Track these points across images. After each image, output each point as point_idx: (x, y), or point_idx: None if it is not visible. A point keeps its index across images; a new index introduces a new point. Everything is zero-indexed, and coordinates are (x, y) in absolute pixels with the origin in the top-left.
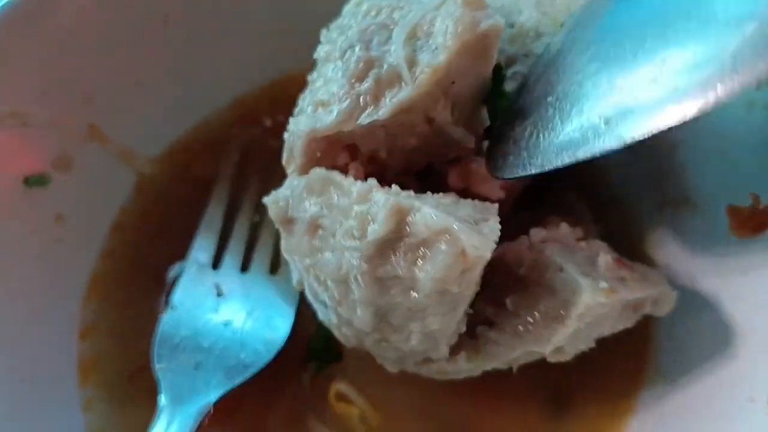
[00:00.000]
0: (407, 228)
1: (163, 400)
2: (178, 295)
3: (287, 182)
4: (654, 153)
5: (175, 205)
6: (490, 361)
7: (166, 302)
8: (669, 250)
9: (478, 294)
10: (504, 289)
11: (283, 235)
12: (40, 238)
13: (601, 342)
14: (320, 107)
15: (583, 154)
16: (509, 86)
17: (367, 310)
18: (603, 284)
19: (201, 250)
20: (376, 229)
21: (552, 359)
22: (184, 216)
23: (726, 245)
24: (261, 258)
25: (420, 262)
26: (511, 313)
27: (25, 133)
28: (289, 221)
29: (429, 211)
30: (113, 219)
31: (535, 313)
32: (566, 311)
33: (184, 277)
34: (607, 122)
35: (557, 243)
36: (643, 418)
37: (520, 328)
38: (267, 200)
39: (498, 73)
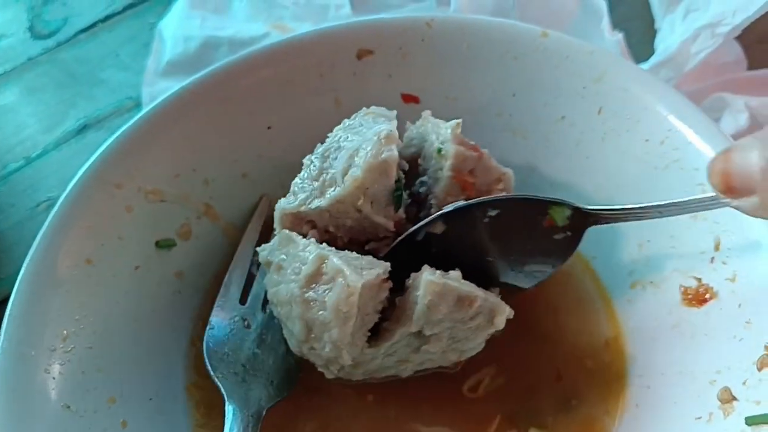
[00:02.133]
0: (323, 268)
1: (229, 405)
2: (215, 319)
3: (273, 239)
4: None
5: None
6: (381, 345)
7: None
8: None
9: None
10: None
11: (266, 273)
12: (165, 289)
13: None
14: (292, 195)
15: None
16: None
17: (300, 323)
18: (437, 273)
19: (231, 284)
20: (306, 268)
21: (428, 353)
22: None
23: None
24: None
25: (328, 291)
26: (397, 312)
27: (161, 206)
28: (268, 263)
29: (335, 260)
30: (213, 276)
31: (406, 302)
32: (418, 294)
33: (218, 304)
34: None
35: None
36: None
37: (399, 316)
38: (258, 249)
39: (398, 182)
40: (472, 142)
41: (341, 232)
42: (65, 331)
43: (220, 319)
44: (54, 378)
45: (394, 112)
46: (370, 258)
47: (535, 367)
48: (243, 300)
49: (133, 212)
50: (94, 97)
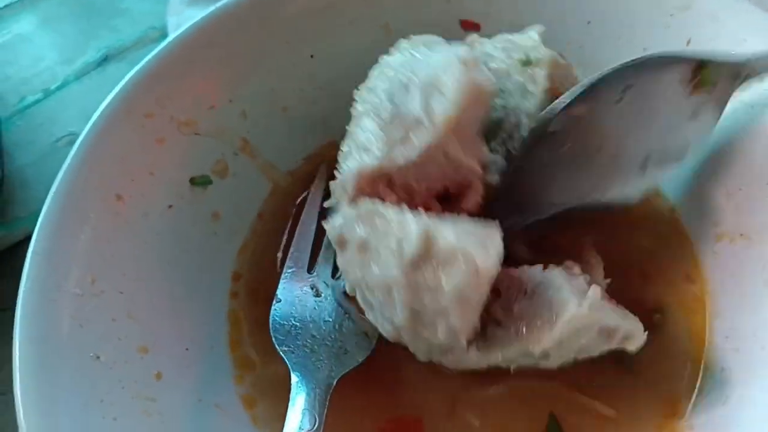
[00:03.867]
0: (434, 248)
1: (294, 377)
2: (281, 291)
3: (341, 210)
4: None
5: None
6: (494, 352)
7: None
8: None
9: (493, 299)
10: (515, 299)
11: (338, 251)
12: (200, 230)
13: None
14: (363, 152)
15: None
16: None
17: (405, 311)
18: (585, 304)
19: (297, 254)
20: (409, 250)
21: (541, 364)
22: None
23: None
24: None
25: (444, 276)
26: (516, 318)
27: (195, 140)
28: (343, 242)
29: (451, 236)
30: (252, 219)
31: (534, 319)
32: (555, 321)
33: (284, 276)
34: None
35: (564, 270)
36: None
37: (522, 329)
38: (325, 224)
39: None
40: None
41: (423, 184)
42: (93, 273)
43: (287, 290)
44: (81, 325)
45: (439, 38)
46: (474, 221)
47: None
48: (311, 268)
49: (165, 145)
50: (115, 28)
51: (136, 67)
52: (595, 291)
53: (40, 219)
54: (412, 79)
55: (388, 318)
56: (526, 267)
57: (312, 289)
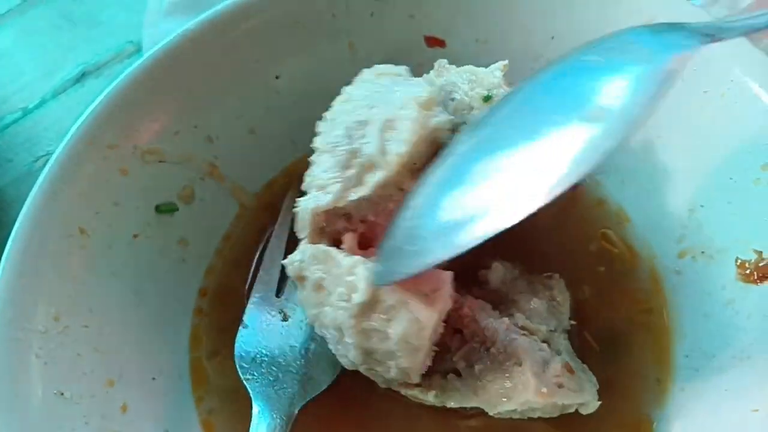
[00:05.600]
0: (381, 296)
1: (256, 407)
2: (249, 316)
3: (300, 247)
4: (676, 213)
5: (261, 234)
6: (452, 401)
7: (241, 320)
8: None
9: (458, 346)
10: (477, 354)
11: (298, 287)
12: (167, 257)
13: None
14: (320, 190)
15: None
16: None
17: (356, 351)
18: (544, 389)
19: (266, 278)
20: (358, 296)
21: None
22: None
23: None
24: None
25: (390, 323)
26: (476, 376)
27: (160, 167)
28: (302, 278)
29: (396, 288)
30: (218, 243)
31: (493, 385)
32: (513, 396)
33: (252, 300)
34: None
35: (526, 336)
36: None
37: (479, 388)
38: (285, 262)
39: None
40: None
41: (381, 218)
42: (57, 310)
43: (254, 315)
44: (46, 363)
45: (404, 68)
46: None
47: None
48: (279, 292)
49: (129, 175)
50: (93, 40)
51: (99, 97)
52: (555, 369)
53: (3, 258)
54: (370, 117)
55: (343, 353)
56: (491, 320)
57: (280, 313)
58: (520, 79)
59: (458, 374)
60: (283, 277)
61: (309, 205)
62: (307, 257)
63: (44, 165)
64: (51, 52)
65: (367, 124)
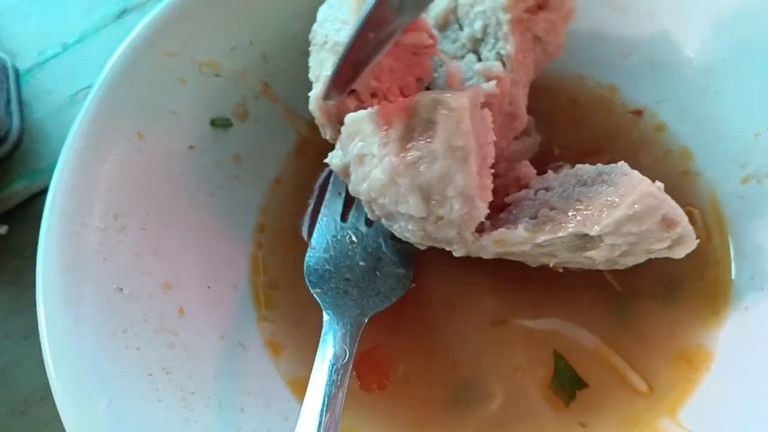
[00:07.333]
0: (414, 116)
1: (326, 315)
2: (316, 240)
3: (336, 147)
4: (740, 138)
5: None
6: (542, 234)
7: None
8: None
9: (547, 189)
10: (573, 187)
11: (348, 181)
12: (222, 172)
13: None
14: (315, 83)
15: None
16: None
17: (414, 195)
18: (658, 184)
19: (332, 204)
20: (395, 133)
21: (585, 263)
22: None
23: None
24: None
25: (431, 138)
26: (575, 201)
27: (216, 81)
28: (346, 170)
29: (424, 96)
30: (277, 169)
31: (596, 200)
32: (621, 199)
33: (319, 225)
34: None
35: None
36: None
37: (580, 210)
38: (330, 164)
39: None
40: None
41: (386, 81)
42: (116, 210)
43: (321, 238)
44: (105, 258)
45: None
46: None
47: None
48: (344, 218)
49: (187, 85)
50: None
51: (158, 7)
52: (659, 186)
53: (61, 155)
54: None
55: (406, 214)
56: (580, 165)
57: (346, 236)
58: None
59: (552, 208)
60: (347, 203)
61: (312, 97)
62: (344, 141)
63: (85, 98)
64: None
65: (346, 24)
